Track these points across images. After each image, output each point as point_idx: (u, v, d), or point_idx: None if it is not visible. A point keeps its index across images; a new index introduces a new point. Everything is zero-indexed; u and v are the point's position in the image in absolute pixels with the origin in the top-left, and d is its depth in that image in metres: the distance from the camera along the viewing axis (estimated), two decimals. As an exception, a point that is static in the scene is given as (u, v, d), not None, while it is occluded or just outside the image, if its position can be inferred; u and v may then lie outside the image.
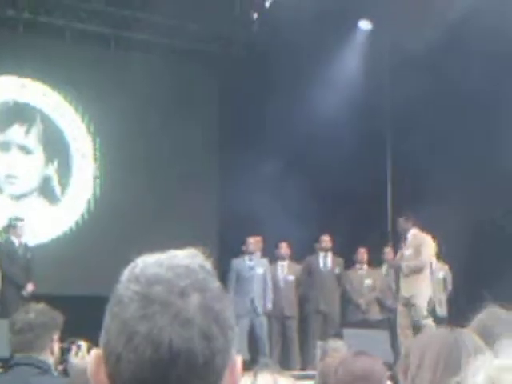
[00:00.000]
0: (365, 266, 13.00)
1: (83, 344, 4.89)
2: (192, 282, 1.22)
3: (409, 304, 11.15)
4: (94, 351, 1.24)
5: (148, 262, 1.24)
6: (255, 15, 14.44)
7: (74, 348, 4.75)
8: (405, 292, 11.24)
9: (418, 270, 11.15)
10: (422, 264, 11.18)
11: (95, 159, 14.84)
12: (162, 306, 1.18)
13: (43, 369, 4.04)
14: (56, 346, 4.19)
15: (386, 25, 13.57)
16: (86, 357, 4.88)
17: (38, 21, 14.31)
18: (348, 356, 3.21)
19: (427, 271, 11.30)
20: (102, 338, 1.22)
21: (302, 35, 13.20)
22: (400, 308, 11.35)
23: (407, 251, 11.38)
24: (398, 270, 11.73)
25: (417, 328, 10.57)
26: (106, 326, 1.21)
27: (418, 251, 11.26)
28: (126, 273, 1.24)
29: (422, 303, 11.05)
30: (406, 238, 11.44)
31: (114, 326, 1.19)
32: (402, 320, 11.19)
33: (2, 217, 12.30)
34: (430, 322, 10.95)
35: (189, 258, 1.26)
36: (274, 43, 13.91)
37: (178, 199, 14.29)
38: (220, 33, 15.22)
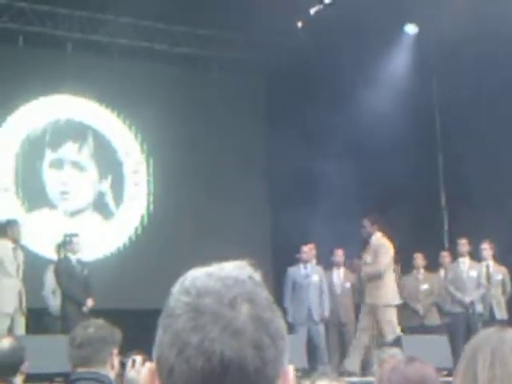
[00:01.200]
0: (422, 271, 12.88)
1: (138, 358, 4.92)
2: (241, 293, 1.23)
3: (372, 311, 11.24)
4: (148, 365, 1.26)
5: (197, 275, 1.26)
6: (300, 23, 14.44)
7: (129, 362, 4.78)
8: (367, 298, 11.36)
9: (375, 277, 11.18)
10: (378, 271, 11.21)
11: (148, 174, 14.96)
12: (213, 317, 1.19)
13: (105, 383, 4.08)
14: (116, 361, 4.23)
15: (433, 28, 13.48)
16: (141, 370, 4.92)
17: (87, 39, 14.49)
18: (400, 362, 3.19)
19: (387, 278, 11.31)
20: (155, 351, 1.23)
21: (347, 42, 13.19)
22: (363, 311, 11.46)
23: (368, 256, 11.39)
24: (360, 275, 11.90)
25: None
26: (158, 338, 1.23)
27: (375, 257, 11.28)
28: (177, 286, 1.26)
29: (384, 316, 11.09)
30: (368, 242, 11.46)
31: (166, 338, 1.21)
32: (362, 323, 11.31)
33: (58, 233, 12.44)
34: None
35: (237, 270, 1.27)
36: (320, 50, 13.90)
37: (230, 212, 14.34)
38: (266, 42, 15.25)
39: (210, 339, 1.18)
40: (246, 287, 1.24)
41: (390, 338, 10.85)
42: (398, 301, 11.39)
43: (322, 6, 13.84)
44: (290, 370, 1.27)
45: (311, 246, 12.42)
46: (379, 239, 11.41)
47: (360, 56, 13.52)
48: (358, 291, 12.69)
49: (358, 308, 12.69)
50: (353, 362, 11.35)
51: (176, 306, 1.22)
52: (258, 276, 1.28)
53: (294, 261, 12.36)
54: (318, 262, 12.55)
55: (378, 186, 13.39)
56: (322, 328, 12.18)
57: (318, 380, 3.50)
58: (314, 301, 12.15)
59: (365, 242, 11.62)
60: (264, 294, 1.26)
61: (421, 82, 13.84)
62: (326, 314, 12.21)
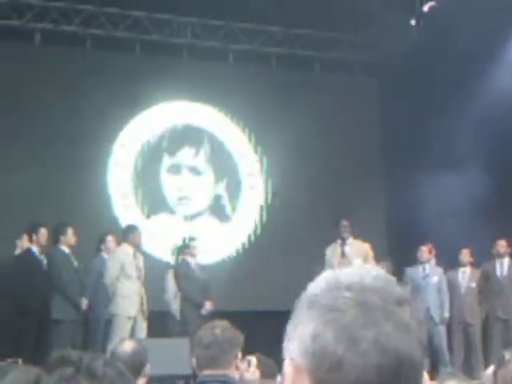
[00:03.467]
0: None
1: (253, 359, 4.94)
2: (402, 292, 1.25)
3: None
4: (289, 365, 1.24)
5: (349, 272, 1.27)
6: (413, 21, 14.25)
7: (244, 363, 4.81)
8: None
9: None
10: None
11: (262, 176, 15.02)
12: (384, 313, 1.20)
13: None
14: (239, 363, 4.25)
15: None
16: (256, 371, 4.93)
17: (201, 45, 14.67)
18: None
19: None
20: (310, 346, 1.21)
21: (462, 37, 12.92)
22: None
23: (356, 260, 11.19)
24: None
25: None
26: (314, 333, 1.21)
27: (366, 260, 11.20)
28: (323, 283, 1.25)
29: None
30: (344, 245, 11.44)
31: (331, 333, 1.20)
32: None
33: (177, 238, 12.63)
34: None
35: (377, 270, 1.29)
36: (434, 47, 13.67)
37: (346, 213, 14.20)
38: (378, 41, 15.11)
39: (386, 334, 1.19)
40: (400, 287, 1.27)
41: None
42: None
43: (435, 2, 13.63)
44: (426, 374, 1.27)
45: (430, 245, 12.26)
46: (359, 242, 11.56)
47: (476, 51, 13.21)
48: (482, 291, 12.42)
49: (482, 308, 12.42)
50: None
51: (337, 302, 1.22)
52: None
53: (414, 261, 12.22)
54: (439, 262, 12.37)
55: (506, 182, 12.90)
56: (442, 329, 12.02)
57: (447, 381, 3.42)
58: (434, 302, 12.00)
59: (342, 241, 11.62)
60: None
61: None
62: (446, 314, 12.04)
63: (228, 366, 4.13)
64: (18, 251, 11.71)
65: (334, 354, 1.19)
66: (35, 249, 11.34)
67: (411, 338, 1.21)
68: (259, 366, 5.00)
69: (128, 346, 4.84)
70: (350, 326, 1.19)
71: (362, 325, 1.19)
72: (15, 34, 13.58)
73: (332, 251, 11.59)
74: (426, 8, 13.89)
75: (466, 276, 12.51)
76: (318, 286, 1.25)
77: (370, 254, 11.49)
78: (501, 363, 5.02)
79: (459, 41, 12.76)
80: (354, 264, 10.99)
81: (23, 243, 11.63)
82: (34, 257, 11.31)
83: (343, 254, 11.45)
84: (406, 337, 1.20)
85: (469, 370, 11.56)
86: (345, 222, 11.72)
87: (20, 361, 9.06)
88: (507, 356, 5.18)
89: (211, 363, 4.11)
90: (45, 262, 11.28)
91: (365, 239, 11.89)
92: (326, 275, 1.27)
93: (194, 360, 4.24)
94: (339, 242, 11.63)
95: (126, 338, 8.63)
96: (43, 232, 11.35)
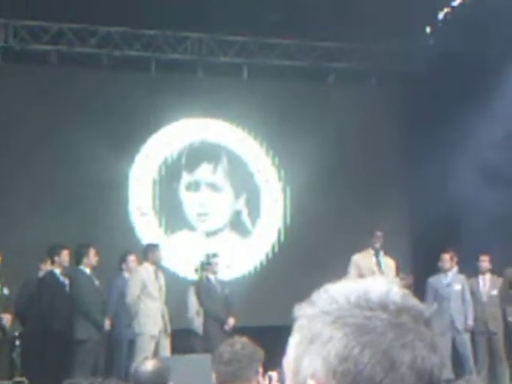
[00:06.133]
0: None
1: (275, 374, 4.93)
2: (428, 311, 1.23)
3: None
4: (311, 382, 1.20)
5: (375, 288, 1.23)
6: (428, 28, 14.22)
7: (266, 379, 4.80)
8: None
9: None
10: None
11: (282, 190, 15.00)
12: (416, 335, 1.19)
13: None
14: (261, 379, 4.24)
15: None
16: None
17: (216, 62, 14.70)
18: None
19: None
20: (339, 367, 1.18)
21: (480, 44, 12.85)
22: None
23: (391, 274, 11.40)
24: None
25: None
26: (345, 354, 1.18)
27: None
28: (352, 297, 1.21)
29: None
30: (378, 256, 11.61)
31: (368, 356, 1.17)
32: None
33: (197, 254, 12.63)
34: None
35: (399, 286, 1.25)
36: (452, 54, 13.59)
37: (369, 224, 14.17)
38: (394, 50, 15.07)
39: (422, 357, 1.18)
40: (425, 306, 1.25)
41: None
42: None
43: (450, 9, 13.59)
44: None
45: (452, 253, 12.15)
46: (388, 258, 11.72)
47: (496, 59, 13.09)
48: (504, 299, 12.30)
49: (504, 316, 12.29)
50: None
51: (372, 322, 1.19)
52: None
53: (435, 270, 12.14)
54: (461, 269, 12.26)
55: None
56: (466, 337, 11.90)
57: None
58: (457, 310, 11.89)
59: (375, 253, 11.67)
60: None
61: None
62: (470, 322, 11.93)
63: (248, 381, 4.12)
64: (41, 274, 11.76)
65: (371, 379, 1.17)
66: (57, 271, 11.37)
67: (439, 357, 1.20)
68: (280, 381, 4.97)
69: (150, 365, 4.85)
70: (388, 349, 1.17)
71: (399, 348, 1.17)
72: (32, 57, 13.72)
73: (364, 259, 11.56)
74: (440, 15, 13.85)
75: (486, 283, 12.33)
76: (343, 299, 1.22)
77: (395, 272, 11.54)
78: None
79: (477, 46, 12.67)
80: (389, 278, 11.02)
81: (46, 266, 11.68)
82: (56, 279, 11.34)
83: (379, 265, 11.41)
84: (436, 357, 1.20)
85: (494, 380, 11.44)
86: (379, 233, 11.69)
87: (25, 380, 9.01)
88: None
89: (231, 379, 4.10)
90: (67, 283, 11.31)
91: (390, 253, 11.90)
92: (351, 288, 1.23)
93: (214, 376, 4.23)
94: (372, 251, 11.61)
95: (149, 357, 8.62)
96: (65, 254, 11.39)
